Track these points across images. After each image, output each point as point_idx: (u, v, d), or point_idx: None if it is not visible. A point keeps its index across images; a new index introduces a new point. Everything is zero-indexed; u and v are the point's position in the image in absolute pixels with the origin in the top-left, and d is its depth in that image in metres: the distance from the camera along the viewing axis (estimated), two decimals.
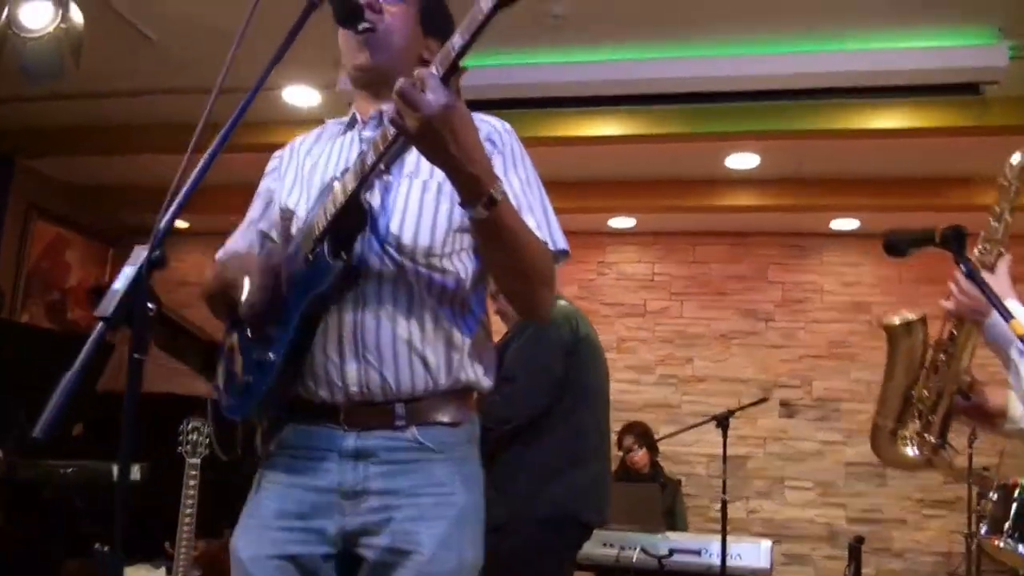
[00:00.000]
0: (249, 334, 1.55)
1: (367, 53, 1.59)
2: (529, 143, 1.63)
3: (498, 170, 1.47)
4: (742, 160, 5.34)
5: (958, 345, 1.96)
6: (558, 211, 5.92)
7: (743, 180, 5.71)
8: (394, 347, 1.48)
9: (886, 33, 3.86)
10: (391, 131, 1.35)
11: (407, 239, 1.50)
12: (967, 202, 5.20)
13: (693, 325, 6.66)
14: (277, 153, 1.76)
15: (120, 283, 1.16)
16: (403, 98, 1.27)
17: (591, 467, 3.02)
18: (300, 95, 4.78)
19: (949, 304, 1.90)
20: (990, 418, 1.96)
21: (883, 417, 2.08)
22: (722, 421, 4.56)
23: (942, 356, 1.99)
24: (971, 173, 5.07)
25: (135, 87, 4.80)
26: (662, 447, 5.73)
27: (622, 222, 6.56)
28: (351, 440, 1.48)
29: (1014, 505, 2.50)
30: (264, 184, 1.75)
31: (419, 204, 1.53)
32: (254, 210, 1.75)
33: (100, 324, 1.13)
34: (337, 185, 1.46)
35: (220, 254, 1.74)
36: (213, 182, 6.06)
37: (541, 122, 4.75)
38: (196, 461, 3.26)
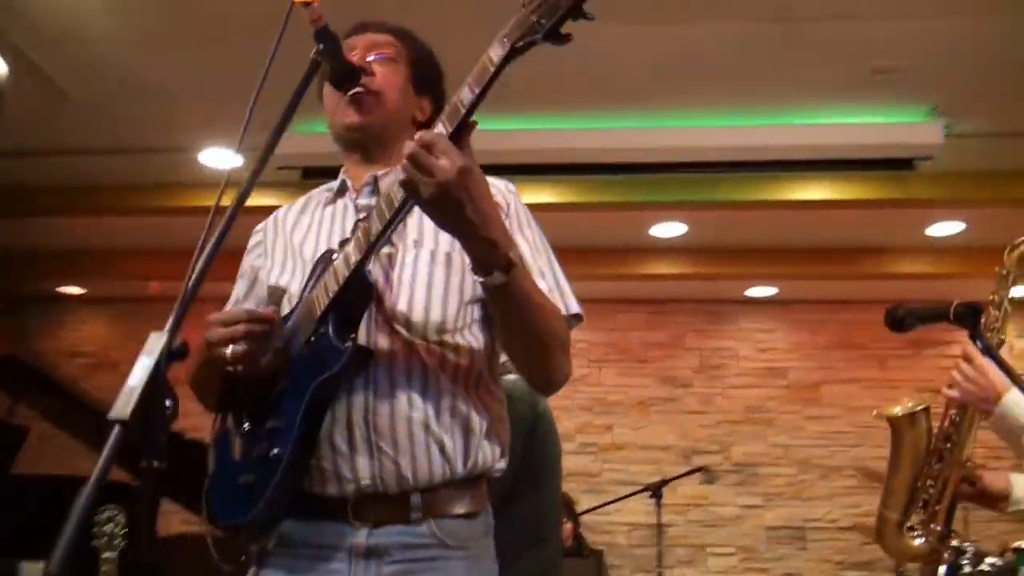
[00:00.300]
0: (245, 427, 1.40)
1: (356, 112, 1.50)
2: None
3: None
4: (668, 229, 5.41)
5: (961, 432, 1.95)
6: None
7: (666, 249, 5.78)
8: (410, 432, 1.36)
9: (823, 109, 3.99)
10: (398, 196, 1.25)
11: (418, 316, 1.39)
12: (882, 271, 5.40)
13: (612, 392, 6.63)
14: (259, 227, 1.63)
15: (136, 378, 0.97)
16: (415, 163, 1.17)
17: (549, 546, 2.91)
18: (220, 157, 4.55)
19: (954, 392, 1.88)
20: (993, 502, 1.95)
21: (889, 509, 2.05)
22: (656, 491, 4.48)
23: (947, 444, 1.97)
24: (887, 243, 5.28)
25: (47, 146, 4.48)
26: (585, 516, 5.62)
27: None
28: (362, 536, 1.34)
29: (942, 568, 2.50)
30: (247, 261, 1.62)
31: (428, 276, 1.43)
32: (238, 289, 1.62)
33: (117, 429, 0.94)
34: (338, 259, 1.35)
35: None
36: (113, 246, 5.79)
37: None
38: (112, 555, 2.95)
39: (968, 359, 1.84)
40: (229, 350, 1.30)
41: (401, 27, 1.62)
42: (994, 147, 4.18)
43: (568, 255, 5.76)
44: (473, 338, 1.45)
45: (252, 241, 1.63)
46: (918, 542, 2.01)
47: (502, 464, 1.48)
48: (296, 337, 1.37)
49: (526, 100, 3.96)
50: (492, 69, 1.17)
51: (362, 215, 1.47)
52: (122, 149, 4.41)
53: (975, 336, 1.69)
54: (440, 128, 1.21)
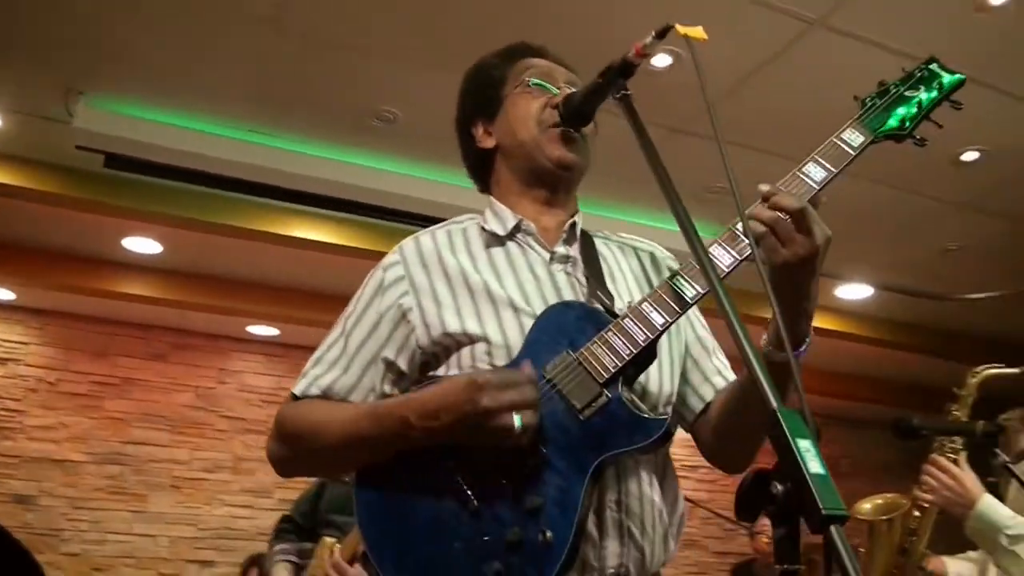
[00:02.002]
0: (474, 504, 1.18)
1: (575, 152, 1.42)
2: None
3: None
4: None
5: (923, 527, 2.25)
6: (195, 307, 4.89)
7: None
8: (653, 516, 1.28)
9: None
10: (728, 257, 1.22)
11: (654, 386, 1.32)
12: None
13: None
14: (392, 261, 1.40)
15: (817, 465, 0.81)
16: (804, 219, 1.15)
17: None
18: None
19: (931, 496, 2.14)
20: None
21: None
22: None
23: (911, 539, 2.26)
24: None
25: None
26: None
27: (262, 330, 6.08)
28: None
29: None
30: (389, 299, 1.36)
31: (664, 345, 1.36)
32: (368, 327, 1.36)
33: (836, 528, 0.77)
34: (630, 319, 1.23)
35: (311, 388, 1.34)
36: None
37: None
38: None
39: (942, 468, 2.12)
40: (518, 420, 1.13)
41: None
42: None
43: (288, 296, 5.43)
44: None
45: (390, 276, 1.38)
46: None
47: None
48: (551, 400, 1.20)
49: None
50: (852, 154, 1.26)
51: (561, 265, 1.38)
52: None
53: (996, 454, 2.00)
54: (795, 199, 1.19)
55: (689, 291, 1.23)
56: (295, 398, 1.35)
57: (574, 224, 1.43)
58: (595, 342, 1.21)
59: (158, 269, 5.13)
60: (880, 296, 5.47)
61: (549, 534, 1.12)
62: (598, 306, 1.30)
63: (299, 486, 6.08)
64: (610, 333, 1.21)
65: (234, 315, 5.63)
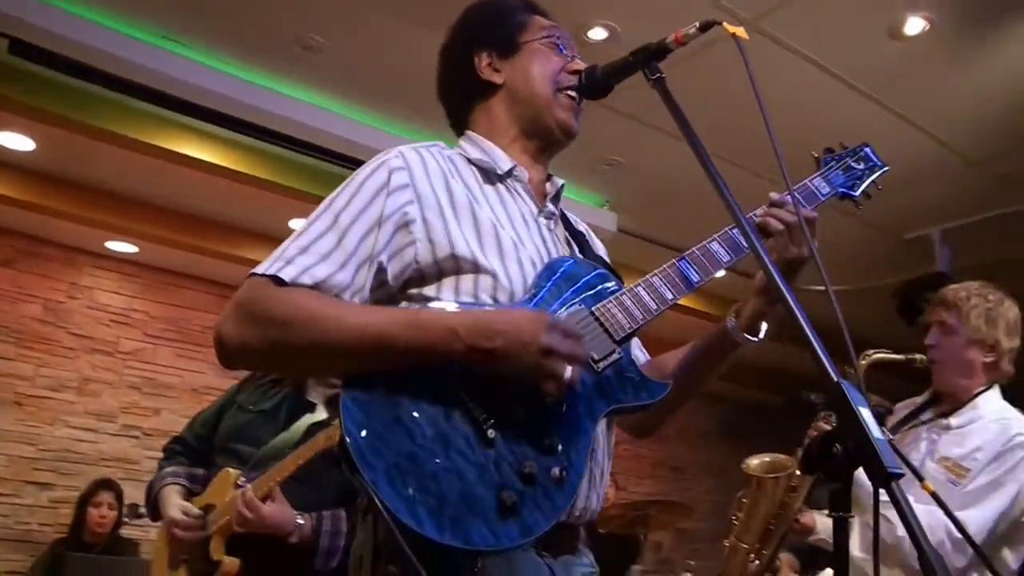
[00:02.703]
0: (491, 434, 1.18)
1: (578, 123, 1.51)
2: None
3: None
4: None
5: (802, 485, 2.53)
6: (56, 213, 5.10)
7: None
8: (607, 467, 1.39)
9: None
10: (727, 247, 1.45)
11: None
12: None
13: (166, 373, 6.07)
14: (397, 165, 1.33)
15: (878, 429, 1.02)
16: (812, 227, 1.42)
17: None
18: None
19: None
20: (807, 534, 2.56)
21: (743, 542, 2.54)
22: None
23: (791, 494, 2.54)
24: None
25: None
26: None
27: (121, 246, 5.75)
28: (560, 570, 1.28)
29: None
30: (394, 203, 1.30)
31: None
32: (367, 226, 1.28)
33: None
34: (643, 288, 1.36)
35: (303, 277, 1.22)
36: None
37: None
38: None
39: None
40: (569, 371, 1.16)
41: None
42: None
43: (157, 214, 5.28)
44: None
45: (396, 180, 1.31)
46: (754, 566, 2.54)
47: None
48: None
49: None
50: (821, 199, 1.56)
51: (546, 221, 1.45)
52: None
53: (882, 429, 2.29)
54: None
55: (694, 276, 1.40)
56: (280, 282, 1.22)
57: (562, 186, 1.50)
58: (611, 301, 1.31)
59: (25, 169, 4.74)
60: (730, 277, 5.88)
61: (562, 472, 1.18)
62: (603, 269, 1.40)
63: (144, 414, 5.93)
64: (624, 296, 1.33)
65: (95, 227, 5.31)
